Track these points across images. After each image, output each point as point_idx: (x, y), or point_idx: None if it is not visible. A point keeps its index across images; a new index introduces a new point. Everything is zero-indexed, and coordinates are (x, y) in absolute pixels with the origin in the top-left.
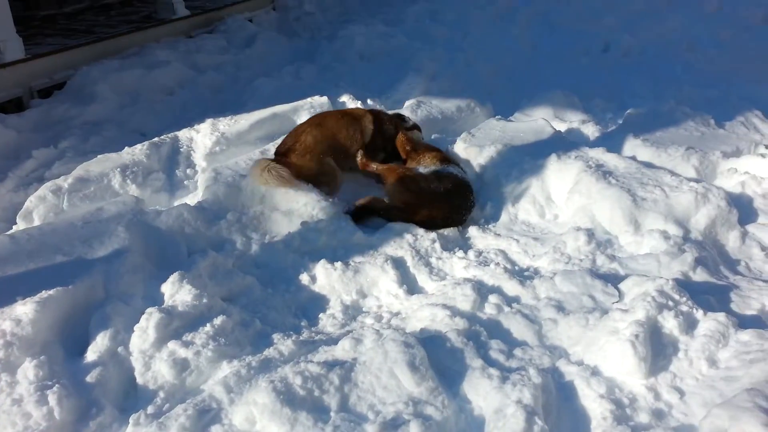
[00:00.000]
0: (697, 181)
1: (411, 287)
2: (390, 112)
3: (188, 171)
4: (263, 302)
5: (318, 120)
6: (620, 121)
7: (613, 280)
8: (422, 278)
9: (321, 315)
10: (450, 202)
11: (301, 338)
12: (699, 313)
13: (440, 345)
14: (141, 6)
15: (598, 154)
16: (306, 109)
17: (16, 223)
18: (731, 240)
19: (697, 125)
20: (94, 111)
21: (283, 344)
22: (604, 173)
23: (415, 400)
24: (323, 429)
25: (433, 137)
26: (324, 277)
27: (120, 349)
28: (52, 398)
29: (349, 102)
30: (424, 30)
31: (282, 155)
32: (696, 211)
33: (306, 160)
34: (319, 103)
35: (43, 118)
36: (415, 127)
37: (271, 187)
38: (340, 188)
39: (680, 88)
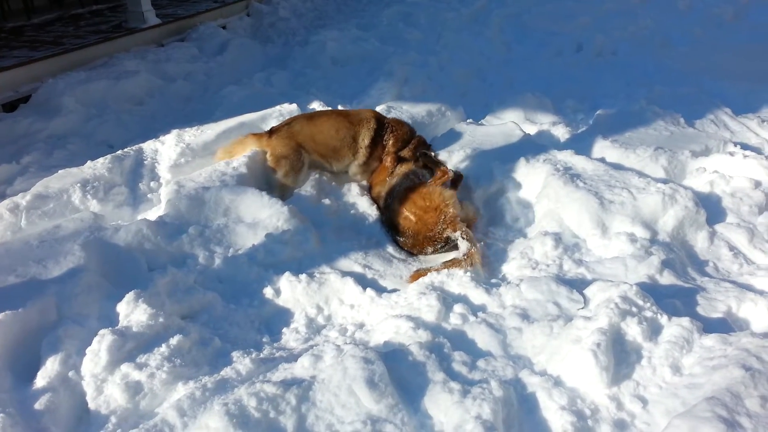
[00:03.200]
0: (665, 181)
1: (377, 298)
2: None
3: (152, 184)
4: (225, 318)
5: (315, 114)
6: (590, 122)
7: (579, 285)
8: (389, 288)
9: (284, 330)
10: None
11: (261, 356)
12: (663, 319)
13: (402, 359)
14: (111, 15)
15: (567, 157)
16: (275, 117)
17: None
18: (699, 241)
19: (667, 124)
20: (59, 124)
21: (242, 363)
22: (571, 176)
23: (373, 419)
24: None
25: None
26: (288, 290)
27: (71, 373)
28: None
29: (319, 109)
30: (397, 34)
31: (269, 133)
32: (663, 212)
33: (279, 143)
34: (288, 110)
35: (7, 133)
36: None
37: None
38: (296, 185)
39: (651, 86)
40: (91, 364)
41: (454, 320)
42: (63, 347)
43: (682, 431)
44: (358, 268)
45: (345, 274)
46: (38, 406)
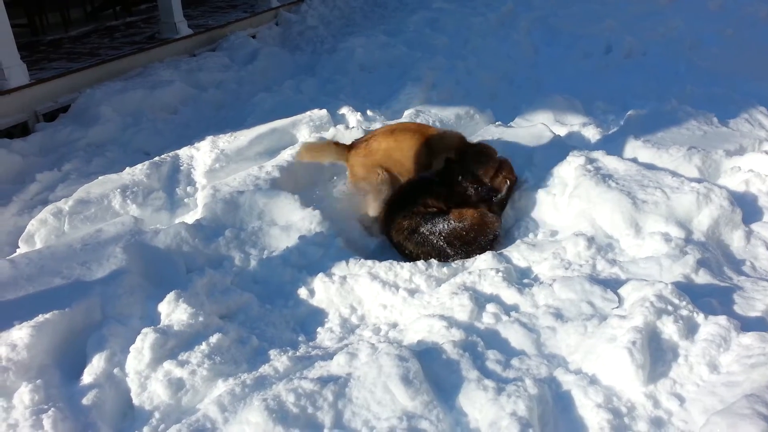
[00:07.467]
0: (699, 181)
1: (409, 298)
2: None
3: (189, 189)
4: (261, 318)
5: (397, 128)
6: (621, 123)
7: (613, 285)
8: (421, 288)
9: (319, 329)
10: None
11: (297, 354)
12: (700, 317)
13: (436, 357)
14: (145, 27)
15: (598, 157)
16: (305, 122)
17: (18, 247)
18: (735, 240)
19: (700, 124)
20: (97, 133)
21: (279, 360)
22: (603, 176)
23: (409, 415)
24: None
25: None
26: (322, 291)
27: (116, 370)
28: (47, 422)
29: (349, 114)
30: (424, 39)
31: (350, 147)
32: (698, 211)
33: (357, 162)
34: (318, 116)
35: (48, 142)
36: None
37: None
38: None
39: (683, 87)
40: (134, 362)
41: (486, 319)
42: (108, 345)
43: (721, 428)
44: (390, 268)
45: (377, 274)
46: (85, 401)
